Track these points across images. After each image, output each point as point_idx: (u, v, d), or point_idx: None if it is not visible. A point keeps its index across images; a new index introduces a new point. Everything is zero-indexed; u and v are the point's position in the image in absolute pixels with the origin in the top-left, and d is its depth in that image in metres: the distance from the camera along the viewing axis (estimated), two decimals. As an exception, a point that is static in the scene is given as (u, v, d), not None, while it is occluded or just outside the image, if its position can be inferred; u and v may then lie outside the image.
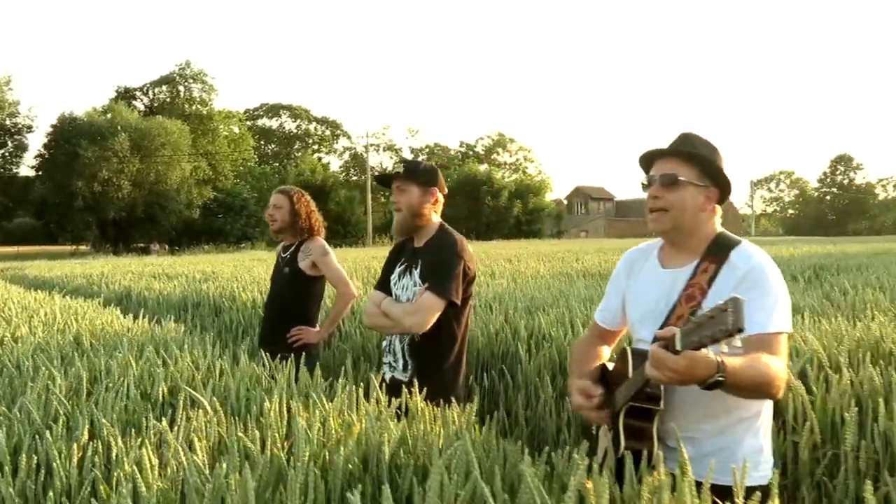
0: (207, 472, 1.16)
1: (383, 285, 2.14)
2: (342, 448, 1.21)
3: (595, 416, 1.37)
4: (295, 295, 2.76)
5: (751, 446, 1.35)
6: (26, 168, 32.98)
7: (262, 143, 48.63)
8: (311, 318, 2.76)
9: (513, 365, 2.60)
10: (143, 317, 3.32)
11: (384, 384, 1.99)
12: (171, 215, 31.61)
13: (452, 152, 51.82)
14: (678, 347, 1.10)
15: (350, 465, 1.23)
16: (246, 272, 7.18)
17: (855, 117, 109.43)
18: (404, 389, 1.61)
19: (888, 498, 1.43)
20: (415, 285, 2.02)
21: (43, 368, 1.92)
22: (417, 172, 2.08)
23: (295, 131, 50.66)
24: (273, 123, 50.23)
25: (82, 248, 31.70)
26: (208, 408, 1.51)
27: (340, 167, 49.50)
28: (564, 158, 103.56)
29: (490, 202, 39.19)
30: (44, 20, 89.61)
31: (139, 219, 31.29)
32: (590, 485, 1.03)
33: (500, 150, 52.88)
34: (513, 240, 30.79)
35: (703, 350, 1.09)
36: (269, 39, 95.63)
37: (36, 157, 32.11)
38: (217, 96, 40.24)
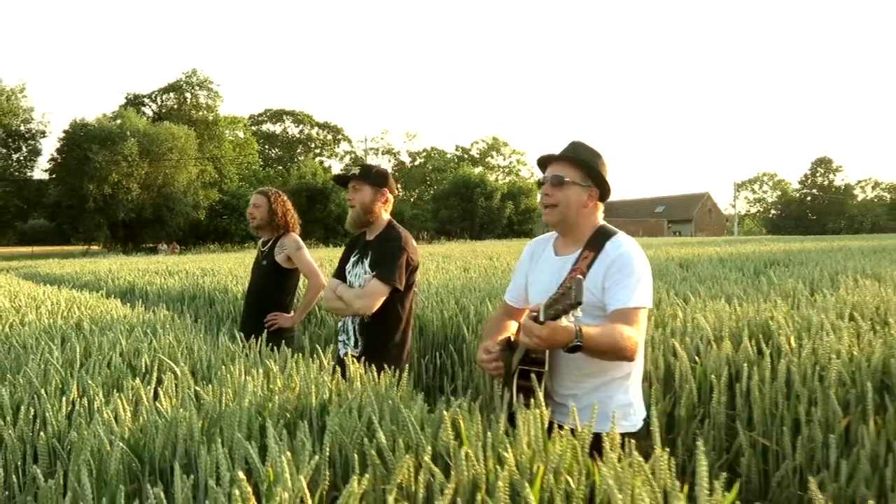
0: (168, 416, 1.45)
1: (340, 274, 2.43)
2: (277, 397, 1.51)
3: (493, 368, 1.63)
4: (271, 285, 3.06)
5: (621, 401, 1.62)
6: (40, 172, 33.83)
7: (267, 147, 49.39)
8: (285, 305, 3.06)
9: (461, 345, 2.88)
10: (141, 306, 3.64)
11: (339, 359, 2.28)
12: (178, 216, 32.28)
13: (448, 155, 52.47)
14: (541, 319, 1.38)
15: (287, 412, 1.52)
16: (243, 268, 7.51)
17: (837, 121, 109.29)
18: (348, 361, 1.89)
19: (741, 446, 1.69)
20: (365, 273, 2.31)
21: (44, 345, 2.23)
22: (370, 175, 2.37)
23: (298, 136, 51.46)
24: (277, 128, 51.09)
25: (94, 248, 32.41)
26: (178, 372, 1.81)
27: (342, 170, 50.16)
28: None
29: (483, 203, 39.84)
30: (57, 30, 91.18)
31: (148, 220, 31.99)
32: (461, 419, 1.31)
33: (494, 153, 53.52)
34: (504, 239, 31.12)
35: (564, 320, 1.37)
36: (274, 48, 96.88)
37: (49, 161, 32.87)
38: (222, 103, 40.95)
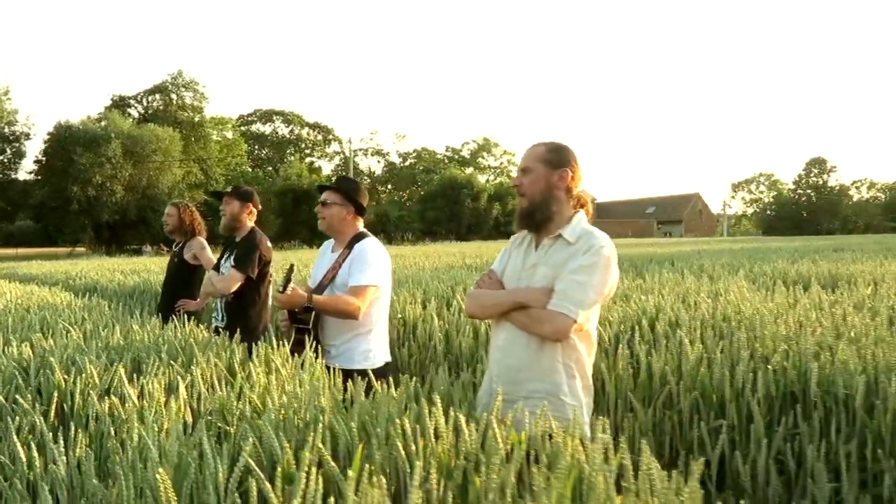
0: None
1: (216, 267, 3.25)
2: (124, 342, 2.31)
3: (285, 328, 2.45)
4: (181, 278, 3.86)
5: (364, 348, 2.44)
6: (24, 174, 34.31)
7: (256, 147, 49.83)
8: (192, 294, 3.86)
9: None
10: (88, 298, 4.43)
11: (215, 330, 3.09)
12: (162, 218, 32.75)
13: (439, 156, 53.06)
14: (280, 290, 2.21)
15: (143, 353, 2.33)
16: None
17: (833, 121, 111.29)
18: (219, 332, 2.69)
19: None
20: (231, 266, 3.13)
21: (-10, 319, 3.02)
22: (238, 192, 3.20)
23: (288, 136, 51.94)
24: (266, 129, 51.56)
25: (79, 249, 32.88)
26: (74, 334, 2.61)
27: (332, 171, 50.71)
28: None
29: (470, 205, 40.57)
30: (41, 32, 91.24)
31: (132, 221, 32.56)
32: (237, 352, 2.12)
33: (484, 154, 54.15)
34: (491, 240, 31.70)
35: (295, 288, 2.20)
36: (264, 47, 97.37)
37: (34, 162, 33.39)
38: (208, 104, 41.27)
